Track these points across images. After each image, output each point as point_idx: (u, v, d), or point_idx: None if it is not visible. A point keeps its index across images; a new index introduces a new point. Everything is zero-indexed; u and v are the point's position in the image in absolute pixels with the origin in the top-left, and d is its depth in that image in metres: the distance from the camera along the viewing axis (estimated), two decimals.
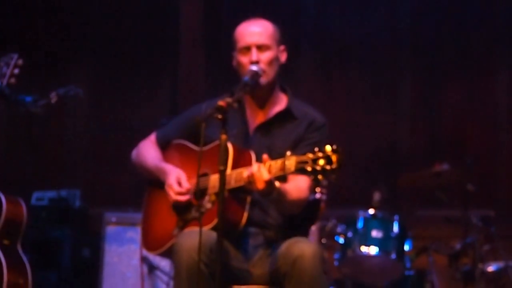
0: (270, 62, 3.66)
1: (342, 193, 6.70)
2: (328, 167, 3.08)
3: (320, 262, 3.36)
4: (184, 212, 3.63)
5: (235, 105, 3.37)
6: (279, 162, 3.24)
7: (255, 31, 3.69)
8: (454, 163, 5.96)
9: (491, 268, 5.85)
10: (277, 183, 3.31)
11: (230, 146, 3.48)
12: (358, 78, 7.53)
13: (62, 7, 8.02)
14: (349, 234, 5.84)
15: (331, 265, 5.88)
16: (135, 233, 6.11)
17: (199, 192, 3.55)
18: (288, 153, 3.22)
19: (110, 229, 6.28)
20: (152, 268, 6.01)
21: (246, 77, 3.57)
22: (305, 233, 3.82)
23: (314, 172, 3.11)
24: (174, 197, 3.61)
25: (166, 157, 3.86)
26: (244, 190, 3.46)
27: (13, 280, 4.37)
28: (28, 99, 4.67)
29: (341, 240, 5.90)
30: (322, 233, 5.92)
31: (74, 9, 8.02)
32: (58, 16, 8.00)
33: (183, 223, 3.61)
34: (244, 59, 3.67)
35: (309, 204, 3.81)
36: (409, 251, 5.89)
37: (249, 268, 3.59)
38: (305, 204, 3.64)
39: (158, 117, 6.32)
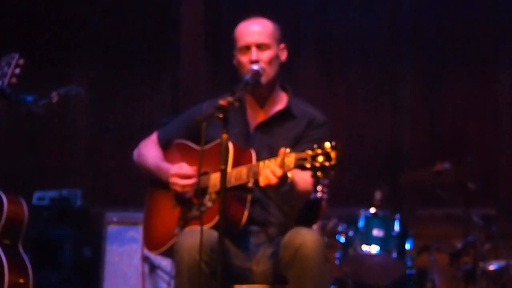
0: (271, 61, 3.67)
1: (343, 192, 6.70)
2: (327, 163, 3.08)
3: (322, 249, 3.37)
4: (185, 211, 3.64)
5: (236, 104, 3.37)
6: (278, 159, 3.24)
7: (255, 30, 3.70)
8: (455, 162, 5.96)
9: (492, 267, 5.85)
10: (289, 174, 3.31)
11: (230, 145, 3.48)
12: (359, 77, 7.53)
13: (63, 6, 8.01)
14: (350, 233, 5.84)
15: (332, 264, 5.89)
16: (136, 233, 6.11)
17: (200, 191, 3.55)
18: (288, 150, 3.22)
19: (111, 229, 6.28)
20: (153, 267, 6.01)
21: (247, 76, 3.58)
22: None
23: (313, 169, 3.11)
24: (181, 182, 3.60)
25: (167, 157, 3.86)
26: (245, 189, 3.47)
27: (14, 279, 4.38)
28: (29, 98, 4.68)
29: (342, 239, 5.90)
30: (323, 232, 5.91)
31: (75, 8, 8.01)
32: (59, 16, 7.99)
33: (184, 222, 3.62)
34: (244, 58, 3.68)
35: (310, 203, 3.82)
36: (410, 250, 5.89)
37: (251, 266, 3.59)
38: (309, 198, 3.65)
39: (159, 117, 6.33)
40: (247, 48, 3.67)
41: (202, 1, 7.64)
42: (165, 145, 3.92)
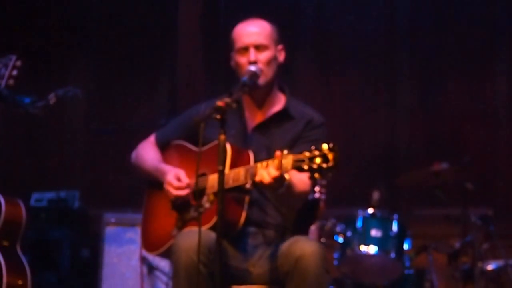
0: (268, 62, 3.67)
1: (341, 193, 6.70)
2: (324, 165, 3.08)
3: (322, 261, 3.37)
4: (183, 212, 3.64)
5: (234, 105, 3.37)
6: (276, 160, 3.24)
7: (253, 31, 3.70)
8: (453, 162, 5.96)
9: (490, 267, 5.85)
10: (287, 176, 3.31)
11: (228, 146, 3.48)
12: (357, 78, 7.53)
13: (60, 8, 8.01)
14: (348, 234, 5.84)
15: (331, 265, 5.88)
16: (135, 234, 6.11)
17: (198, 192, 3.56)
18: (285, 151, 3.22)
19: (110, 230, 6.28)
20: (151, 268, 6.01)
21: (245, 77, 3.58)
22: (304, 233, 3.83)
23: (311, 170, 3.11)
24: (174, 192, 3.61)
25: (165, 158, 3.86)
26: (243, 190, 3.47)
27: (13, 281, 4.38)
28: (27, 100, 4.68)
29: (341, 240, 5.90)
30: (321, 232, 5.91)
31: (72, 9, 8.01)
32: (57, 18, 7.99)
33: (182, 223, 3.62)
34: (242, 59, 3.68)
35: (308, 204, 3.82)
36: (408, 250, 5.89)
37: (249, 267, 3.59)
38: (307, 198, 3.65)
39: (157, 118, 6.33)
40: (245, 49, 3.67)
41: (200, 2, 7.63)
42: (163, 147, 3.92)
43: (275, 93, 3.79)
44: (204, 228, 3.41)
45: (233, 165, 3.49)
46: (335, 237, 5.94)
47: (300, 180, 3.44)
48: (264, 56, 3.67)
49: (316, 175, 3.11)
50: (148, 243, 3.84)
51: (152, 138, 3.98)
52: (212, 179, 3.53)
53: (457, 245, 5.94)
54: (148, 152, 3.91)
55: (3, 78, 4.51)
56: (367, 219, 5.86)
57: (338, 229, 5.93)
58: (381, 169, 7.27)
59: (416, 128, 7.36)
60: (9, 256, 4.45)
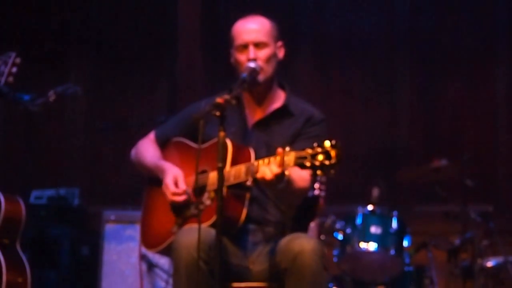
0: (268, 59, 3.67)
1: (340, 190, 6.70)
2: (327, 162, 3.08)
3: (320, 257, 3.36)
4: (183, 210, 3.63)
5: (234, 102, 3.36)
6: (278, 157, 3.24)
7: (252, 29, 3.69)
8: (453, 159, 5.96)
9: (490, 263, 5.85)
10: (286, 172, 3.31)
11: (229, 143, 3.49)
12: (356, 74, 7.53)
13: (59, 6, 8.01)
14: (348, 231, 5.84)
15: (330, 262, 5.88)
16: (134, 231, 6.11)
17: (198, 189, 3.56)
18: (287, 148, 3.21)
19: (109, 227, 6.28)
20: (151, 265, 6.01)
21: (244, 74, 3.57)
22: (304, 230, 3.82)
23: (313, 167, 3.10)
24: (170, 197, 3.61)
25: (165, 155, 3.86)
26: (243, 187, 3.47)
27: (12, 279, 4.38)
28: (26, 97, 4.67)
29: (340, 237, 5.90)
30: (321, 229, 5.91)
31: (72, 7, 8.01)
32: (56, 15, 7.99)
33: (182, 221, 3.62)
34: (241, 56, 3.68)
35: (307, 201, 3.82)
36: (408, 247, 5.89)
37: (249, 264, 3.59)
38: (306, 195, 3.65)
39: (157, 115, 6.32)
40: (245, 46, 3.67)
41: (199, 0, 7.62)
42: (163, 144, 3.92)
43: (274, 90, 3.78)
44: (205, 225, 3.40)
45: (234, 162, 3.49)
46: (334, 234, 5.94)
47: (299, 176, 3.44)
48: (264, 53, 3.67)
49: (319, 172, 3.10)
50: (148, 240, 3.84)
51: (151, 135, 3.97)
52: (213, 176, 3.52)
53: (456, 241, 5.94)
54: (147, 149, 3.90)
55: (3, 75, 4.51)
56: (367, 216, 5.87)
57: (337, 226, 5.93)
58: (380, 166, 7.27)
59: (415, 125, 7.37)
60: (9, 253, 4.45)
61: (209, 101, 3.56)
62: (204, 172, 3.60)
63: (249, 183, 3.45)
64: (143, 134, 4.01)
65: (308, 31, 7.64)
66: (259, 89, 3.72)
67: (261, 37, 3.67)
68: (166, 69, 7.79)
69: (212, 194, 3.51)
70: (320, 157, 3.09)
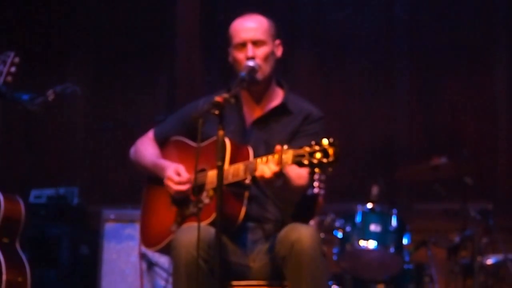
0: (266, 58, 3.67)
1: (340, 188, 6.70)
2: (324, 160, 3.08)
3: (318, 244, 3.37)
4: (182, 208, 3.64)
5: (232, 100, 3.36)
6: (276, 156, 3.24)
7: (250, 27, 3.69)
8: (452, 157, 5.96)
9: (490, 261, 5.86)
10: (284, 170, 3.30)
11: (227, 141, 3.49)
12: (356, 72, 7.53)
13: (58, 5, 8.01)
14: (348, 229, 5.84)
15: (330, 260, 5.89)
16: (134, 230, 6.11)
17: (197, 188, 3.56)
18: (285, 146, 3.22)
19: (109, 226, 6.28)
20: (151, 264, 6.01)
21: (243, 73, 3.57)
22: None
23: (311, 165, 3.11)
24: (175, 187, 3.61)
25: (164, 154, 3.86)
26: (242, 185, 3.47)
27: (12, 278, 4.38)
28: (25, 97, 4.67)
29: (340, 235, 5.90)
30: (320, 227, 5.91)
31: (71, 6, 8.01)
32: (55, 14, 7.99)
33: (181, 219, 3.62)
34: (240, 55, 3.68)
35: (307, 199, 3.82)
36: (407, 244, 5.89)
37: (249, 262, 3.59)
38: (305, 193, 3.65)
39: (155, 114, 6.32)
40: (243, 45, 3.67)
41: None
42: (162, 143, 3.92)
43: (273, 88, 3.78)
44: (204, 223, 3.41)
45: (232, 161, 3.49)
46: (334, 232, 5.94)
47: (297, 174, 3.44)
48: (262, 51, 3.67)
49: (317, 170, 3.11)
50: (147, 239, 3.84)
51: (150, 134, 3.98)
52: (212, 175, 3.53)
53: (456, 239, 5.94)
54: (146, 148, 3.90)
55: (2, 75, 4.51)
56: (366, 214, 5.87)
57: (337, 224, 5.93)
58: (380, 163, 7.27)
59: (415, 122, 7.36)
60: (9, 253, 4.45)
61: (208, 100, 3.57)
62: (202, 170, 3.60)
63: (247, 181, 3.45)
64: (142, 132, 4.01)
65: (307, 28, 7.63)
66: (257, 88, 3.72)
67: (259, 35, 3.68)
68: (165, 68, 7.79)
69: (211, 193, 3.51)
70: (318, 155, 3.09)
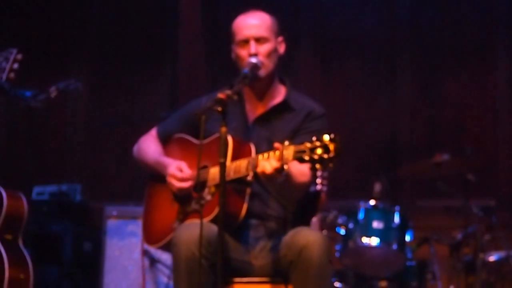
0: (269, 54, 3.67)
1: (342, 184, 6.70)
2: (325, 155, 3.08)
3: (326, 251, 3.37)
4: (184, 205, 3.64)
5: (235, 97, 3.37)
6: (277, 152, 3.24)
7: (253, 24, 3.69)
8: (455, 153, 5.96)
9: (492, 258, 5.86)
10: (285, 166, 3.31)
11: (230, 138, 3.49)
12: (358, 69, 7.53)
13: (61, 1, 8.01)
14: (350, 225, 5.84)
15: (333, 257, 5.88)
16: (136, 227, 6.12)
17: (199, 185, 3.56)
18: (286, 142, 3.22)
19: (111, 223, 6.29)
20: (153, 261, 6.02)
21: (245, 70, 3.57)
22: (306, 225, 3.82)
23: (312, 161, 3.11)
24: (177, 184, 3.62)
25: (167, 152, 3.87)
26: (244, 182, 3.47)
27: (15, 275, 4.37)
28: (28, 93, 4.67)
29: (342, 232, 5.90)
30: (323, 224, 5.91)
31: (73, 3, 8.01)
32: (58, 11, 7.99)
33: (183, 216, 3.62)
34: (242, 52, 3.68)
35: (309, 196, 3.82)
36: (410, 241, 5.90)
37: (251, 260, 3.59)
38: (307, 189, 3.65)
39: (158, 111, 6.33)
40: (246, 41, 3.67)
41: None
42: (165, 140, 3.92)
43: (275, 85, 3.78)
44: (206, 220, 3.41)
45: (234, 158, 3.49)
46: (337, 229, 5.94)
47: (299, 171, 3.44)
48: (265, 48, 3.67)
49: (317, 165, 3.11)
50: (149, 236, 3.84)
51: (153, 132, 3.98)
52: (214, 172, 3.53)
53: (459, 236, 5.94)
54: (149, 146, 3.91)
55: (4, 72, 4.50)
56: (369, 211, 5.86)
57: (340, 221, 5.92)
58: (382, 160, 7.27)
59: (417, 119, 7.36)
60: (11, 249, 4.44)
61: (210, 97, 3.57)
62: (204, 167, 3.60)
63: (249, 178, 3.45)
64: (145, 129, 4.02)
65: (309, 26, 7.63)
66: (260, 84, 3.72)
67: (262, 32, 3.67)
68: (168, 65, 7.79)
69: (213, 189, 3.51)
70: (319, 150, 3.09)
